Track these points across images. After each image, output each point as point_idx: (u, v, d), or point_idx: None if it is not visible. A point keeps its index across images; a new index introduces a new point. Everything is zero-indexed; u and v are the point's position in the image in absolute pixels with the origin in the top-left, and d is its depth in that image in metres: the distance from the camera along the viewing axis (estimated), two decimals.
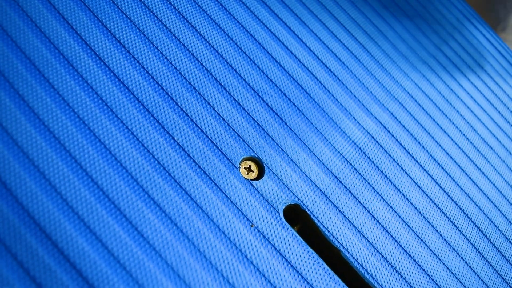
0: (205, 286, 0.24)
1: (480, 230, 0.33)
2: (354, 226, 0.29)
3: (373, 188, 0.31)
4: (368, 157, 0.32)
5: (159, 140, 0.27)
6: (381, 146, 0.33)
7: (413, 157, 0.34)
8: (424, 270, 0.30)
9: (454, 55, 0.41)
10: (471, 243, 0.32)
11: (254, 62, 0.32)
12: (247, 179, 0.28)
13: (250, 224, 0.27)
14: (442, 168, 0.34)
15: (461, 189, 0.34)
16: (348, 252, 0.28)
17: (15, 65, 0.26)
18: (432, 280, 0.29)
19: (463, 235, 0.32)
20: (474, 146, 0.37)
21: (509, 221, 0.34)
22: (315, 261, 0.27)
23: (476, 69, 0.42)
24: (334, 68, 0.35)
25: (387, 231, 0.30)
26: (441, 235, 0.31)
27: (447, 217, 0.32)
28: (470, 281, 0.31)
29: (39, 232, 0.23)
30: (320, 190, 0.29)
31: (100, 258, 0.23)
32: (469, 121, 0.38)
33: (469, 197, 0.34)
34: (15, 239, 0.22)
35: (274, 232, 0.27)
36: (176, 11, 0.32)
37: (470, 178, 0.35)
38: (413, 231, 0.31)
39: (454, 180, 0.34)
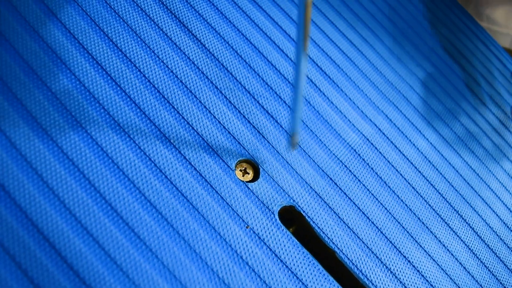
0: (200, 286, 0.24)
1: (474, 231, 0.33)
2: (348, 227, 0.29)
3: (368, 189, 0.31)
4: (363, 159, 0.32)
5: (155, 142, 0.27)
6: (375, 148, 0.33)
7: (407, 158, 0.34)
8: (418, 271, 0.30)
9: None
10: (465, 244, 0.32)
11: (250, 65, 0.33)
12: (243, 181, 0.28)
13: (246, 225, 0.27)
14: (437, 169, 0.34)
15: (456, 190, 0.34)
16: (343, 253, 0.28)
17: (14, 70, 0.26)
18: (427, 281, 0.30)
19: (457, 236, 0.32)
20: (469, 149, 0.37)
21: (504, 222, 0.35)
22: (310, 262, 0.27)
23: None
24: (329, 71, 0.35)
25: (381, 232, 0.30)
26: (435, 236, 0.32)
27: (441, 218, 0.33)
28: (464, 282, 0.31)
29: (37, 233, 0.23)
30: (315, 192, 0.30)
31: (97, 259, 0.23)
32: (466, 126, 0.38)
33: (464, 199, 0.34)
34: (13, 241, 0.23)
35: (269, 233, 0.27)
36: (172, 15, 0.32)
37: (465, 180, 0.35)
38: (407, 232, 0.31)
39: (448, 182, 0.34)
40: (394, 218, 0.31)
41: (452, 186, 0.34)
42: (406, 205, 0.32)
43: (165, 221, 0.25)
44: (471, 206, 0.34)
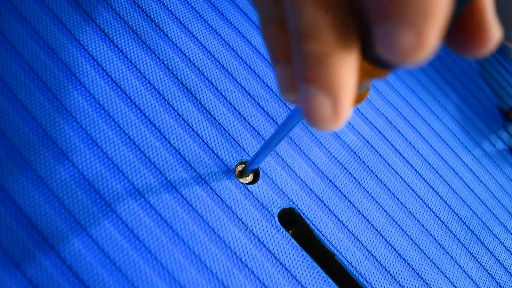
0: None
1: (474, 233, 0.33)
2: (348, 229, 0.29)
3: (368, 192, 0.31)
4: (363, 161, 0.32)
5: (155, 144, 0.27)
6: (375, 150, 0.33)
7: (407, 161, 0.34)
8: (417, 273, 0.30)
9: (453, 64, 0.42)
10: (464, 247, 0.32)
11: (250, 67, 0.32)
12: (243, 183, 0.28)
13: (245, 227, 0.27)
14: (436, 172, 0.34)
15: (455, 192, 0.34)
16: (342, 255, 0.28)
17: (14, 70, 0.26)
18: (426, 283, 0.30)
19: (457, 238, 0.32)
20: (469, 151, 0.37)
21: (503, 225, 0.35)
22: (309, 264, 0.27)
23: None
24: None
25: (381, 234, 0.30)
26: (435, 239, 0.32)
27: (441, 220, 0.33)
28: (463, 284, 0.31)
29: (36, 234, 0.23)
30: (315, 194, 0.30)
31: (96, 260, 0.23)
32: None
33: (463, 200, 0.34)
34: (12, 242, 0.23)
35: (269, 235, 0.27)
36: (173, 16, 0.32)
37: (464, 181, 0.35)
38: (406, 234, 0.31)
39: (448, 184, 0.34)
40: (393, 220, 0.31)
41: (452, 188, 0.34)
42: (405, 207, 0.32)
43: (165, 223, 0.25)
44: (470, 208, 0.34)
